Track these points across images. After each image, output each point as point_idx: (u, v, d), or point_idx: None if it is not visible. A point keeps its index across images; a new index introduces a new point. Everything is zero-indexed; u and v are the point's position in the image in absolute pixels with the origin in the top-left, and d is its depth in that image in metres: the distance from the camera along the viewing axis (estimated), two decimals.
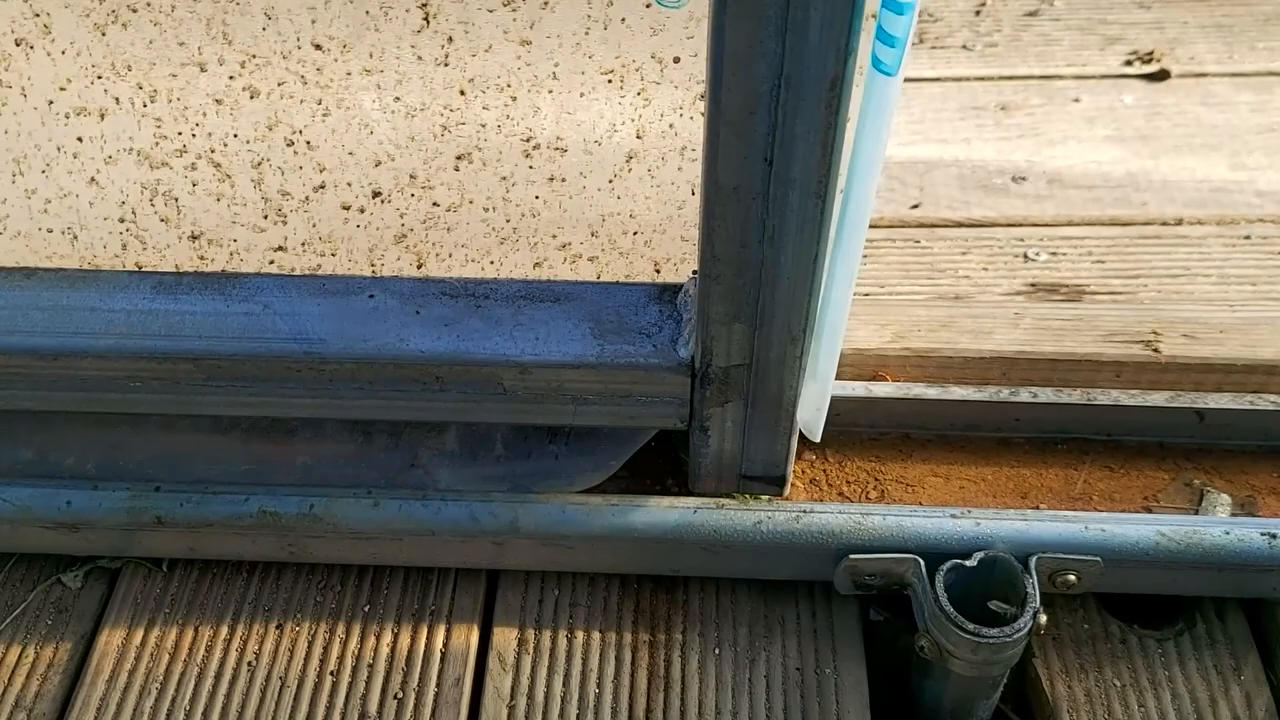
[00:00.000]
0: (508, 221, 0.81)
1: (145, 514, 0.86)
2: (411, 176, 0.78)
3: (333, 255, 0.83)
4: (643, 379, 0.77)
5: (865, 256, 0.69)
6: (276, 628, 0.87)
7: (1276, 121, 1.25)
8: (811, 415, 0.79)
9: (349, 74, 0.73)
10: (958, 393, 0.92)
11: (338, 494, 0.86)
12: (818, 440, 0.83)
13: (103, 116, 0.77)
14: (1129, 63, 1.33)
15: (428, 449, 0.88)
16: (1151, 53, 1.33)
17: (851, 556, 0.82)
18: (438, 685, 0.84)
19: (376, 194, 0.79)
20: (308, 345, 0.77)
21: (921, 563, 0.80)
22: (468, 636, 0.87)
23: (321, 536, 0.86)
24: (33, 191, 0.81)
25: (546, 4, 0.69)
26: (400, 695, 0.84)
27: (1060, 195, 1.18)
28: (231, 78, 0.74)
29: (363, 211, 0.80)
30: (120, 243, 0.83)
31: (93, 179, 0.80)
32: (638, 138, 0.76)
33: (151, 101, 0.76)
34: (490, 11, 0.69)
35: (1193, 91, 1.29)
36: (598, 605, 0.88)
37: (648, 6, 0.70)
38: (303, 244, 0.82)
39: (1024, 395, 0.91)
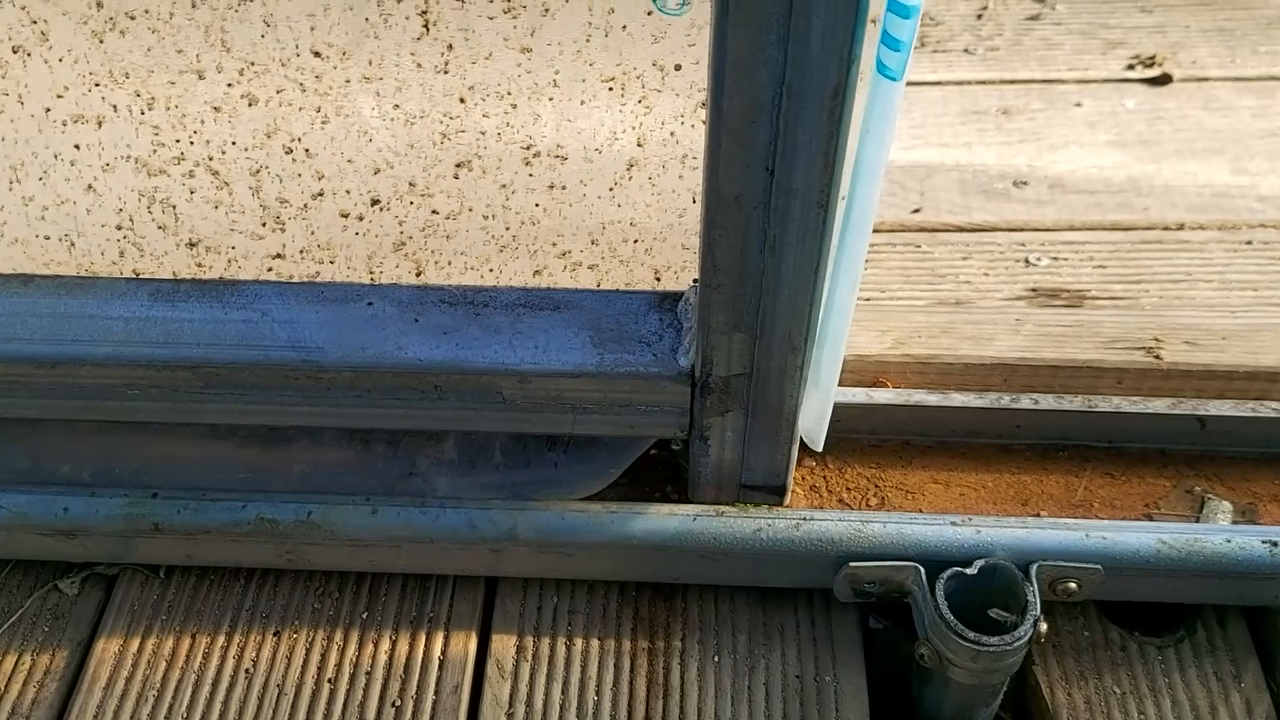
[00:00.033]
0: (507, 229, 0.80)
1: (142, 520, 0.86)
2: (411, 184, 0.78)
3: (331, 263, 0.82)
4: (642, 388, 0.77)
5: (866, 261, 0.69)
6: (274, 635, 0.87)
7: (1278, 126, 1.25)
8: (814, 424, 0.79)
9: (348, 81, 0.73)
10: (958, 399, 0.92)
11: (336, 501, 0.85)
12: (820, 450, 0.83)
13: (100, 124, 0.77)
14: (1131, 67, 1.33)
15: (426, 457, 0.88)
16: (1153, 57, 1.33)
17: (851, 564, 0.81)
18: (436, 692, 0.84)
19: (375, 201, 0.79)
20: (306, 353, 0.77)
21: (922, 570, 0.80)
22: (466, 644, 0.87)
23: (319, 543, 0.86)
24: (30, 199, 0.81)
25: (547, 11, 0.69)
26: (398, 702, 0.84)
27: (1062, 200, 1.18)
28: (230, 85, 0.74)
29: (361, 219, 0.80)
30: (118, 250, 0.83)
31: (90, 186, 0.79)
32: (638, 145, 0.76)
33: (149, 109, 0.75)
34: (490, 19, 0.69)
35: (1195, 96, 1.29)
36: (597, 613, 0.88)
37: (649, 14, 0.69)
38: (301, 251, 0.82)
39: (1025, 402, 0.91)
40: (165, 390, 0.79)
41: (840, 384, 0.83)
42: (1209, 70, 1.31)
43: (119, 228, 0.82)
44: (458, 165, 0.77)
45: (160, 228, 0.82)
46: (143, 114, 0.76)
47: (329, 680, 0.85)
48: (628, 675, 0.85)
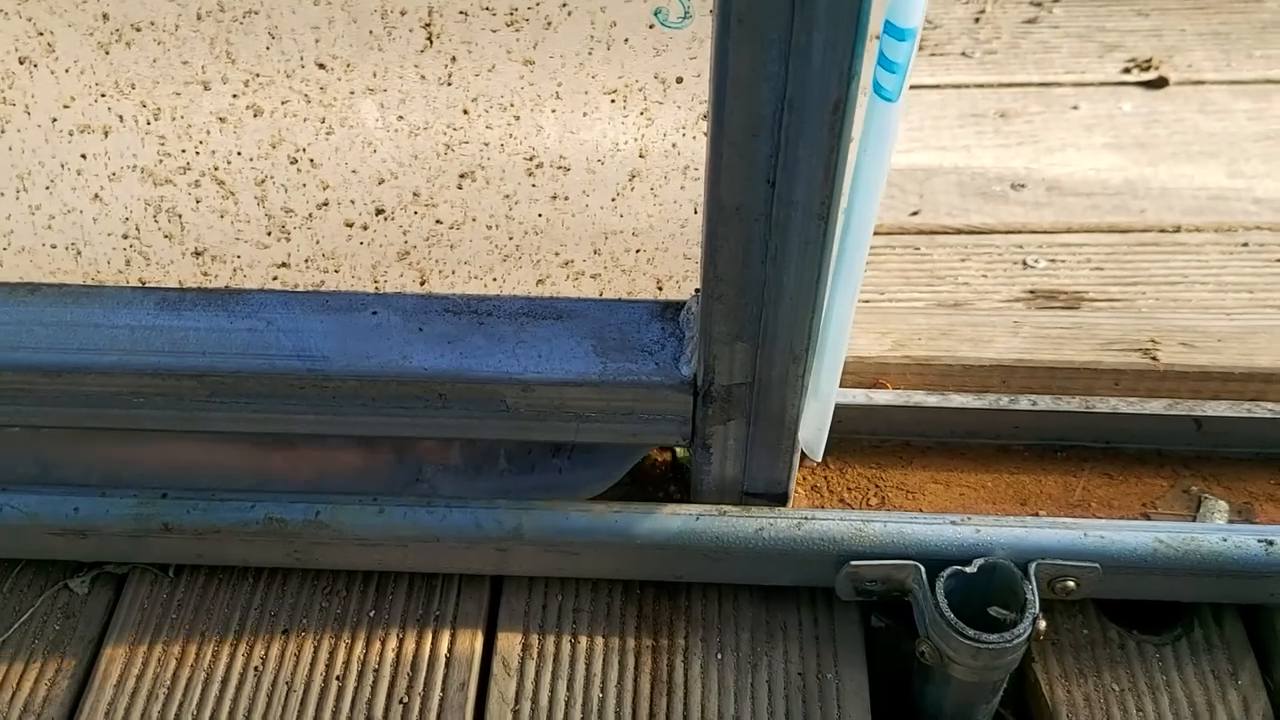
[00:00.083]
0: (510, 239, 0.81)
1: (153, 520, 0.86)
2: (415, 194, 0.79)
3: (336, 272, 0.83)
4: (645, 397, 0.77)
5: (865, 264, 0.70)
6: (282, 633, 0.88)
7: (1274, 129, 1.25)
8: (813, 434, 0.79)
9: (352, 93, 0.73)
10: (957, 400, 0.93)
11: (343, 501, 0.86)
12: (819, 459, 0.84)
13: (106, 134, 0.77)
14: (1127, 70, 1.33)
15: (431, 463, 0.88)
16: (1150, 60, 1.33)
17: (852, 563, 0.82)
18: (443, 690, 0.85)
19: (380, 211, 0.79)
20: (311, 362, 0.77)
21: (922, 569, 0.80)
22: (472, 642, 0.87)
23: (327, 543, 0.87)
24: (36, 208, 0.81)
25: (550, 24, 0.69)
26: (405, 700, 0.84)
27: (1059, 202, 1.18)
28: (235, 96, 0.74)
29: (366, 229, 0.80)
30: (124, 259, 0.83)
31: (96, 195, 0.80)
32: (640, 156, 0.76)
33: (155, 119, 0.76)
34: (494, 32, 0.69)
35: (1191, 99, 1.29)
36: (601, 611, 0.89)
37: (650, 27, 0.70)
38: (306, 261, 0.82)
39: (1023, 403, 0.92)
40: (171, 399, 0.79)
41: (841, 385, 0.83)
42: (1205, 73, 1.31)
43: (125, 236, 0.82)
44: (461, 176, 0.78)
45: (166, 237, 0.82)
46: (149, 124, 0.76)
47: (337, 678, 0.85)
48: (632, 672, 0.85)
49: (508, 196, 0.78)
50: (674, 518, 0.84)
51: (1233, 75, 1.31)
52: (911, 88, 0.61)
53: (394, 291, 0.83)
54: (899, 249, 1.14)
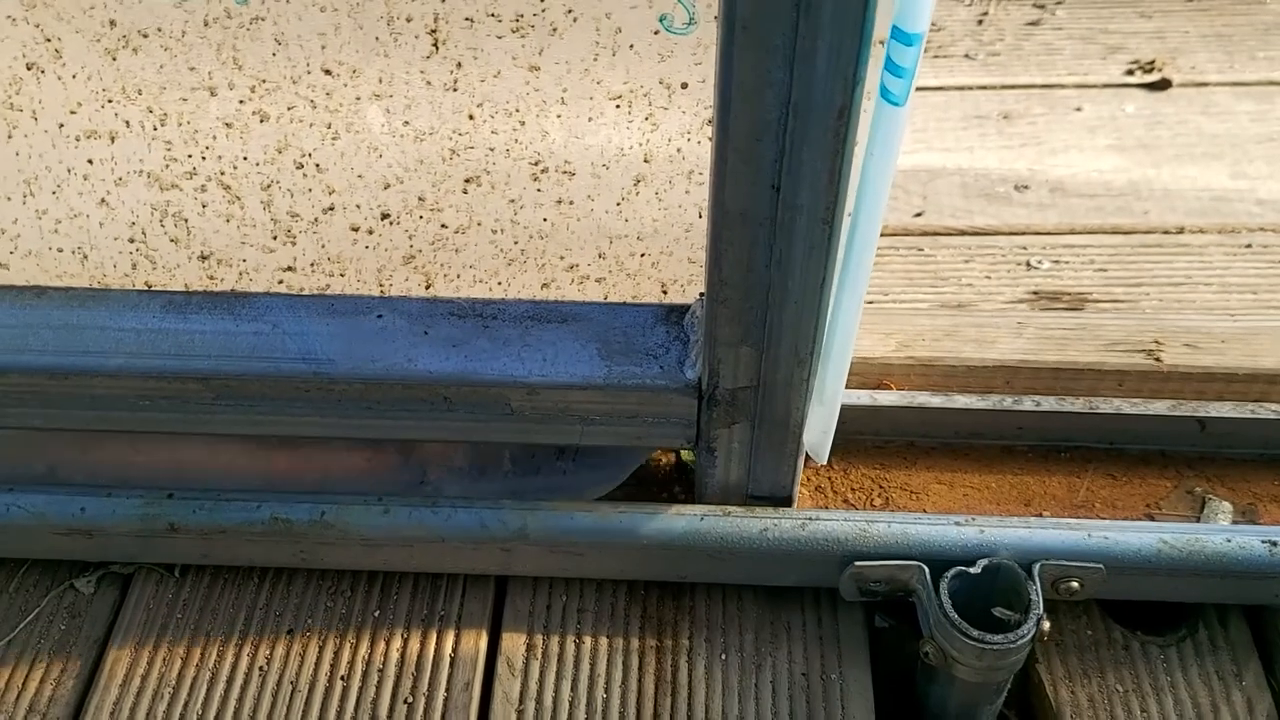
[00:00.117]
0: (516, 243, 0.81)
1: (159, 520, 0.86)
2: (420, 199, 0.79)
3: (341, 276, 0.83)
4: (650, 400, 0.77)
5: (871, 268, 0.70)
6: (288, 633, 0.88)
7: (1277, 131, 1.25)
8: (818, 438, 0.79)
9: (358, 98, 0.73)
10: (961, 401, 0.93)
11: (349, 501, 0.86)
12: (824, 463, 0.84)
13: (113, 139, 0.77)
14: (1130, 72, 1.33)
15: (436, 466, 0.88)
16: (1153, 62, 1.33)
17: (857, 563, 0.82)
18: (447, 690, 0.85)
19: (385, 216, 0.79)
20: (316, 365, 0.77)
21: (926, 569, 0.80)
22: (477, 642, 0.87)
23: (332, 543, 0.87)
24: (43, 212, 0.81)
25: (555, 30, 0.69)
26: (410, 700, 0.84)
27: (1062, 204, 1.18)
28: (241, 102, 0.74)
29: (371, 233, 0.81)
30: (130, 262, 0.83)
31: (103, 200, 0.80)
32: (645, 161, 0.76)
33: (162, 125, 0.76)
34: (499, 38, 0.70)
35: (1194, 101, 1.29)
36: (605, 611, 0.89)
37: (655, 33, 0.70)
38: (312, 264, 0.83)
39: (1027, 404, 0.92)
40: (176, 401, 0.79)
41: (845, 387, 0.84)
42: (1208, 75, 1.31)
43: (131, 240, 0.83)
44: (467, 180, 0.78)
45: (172, 241, 0.82)
46: (155, 130, 0.77)
47: (342, 678, 0.86)
48: (636, 673, 0.86)
49: (513, 201, 0.79)
50: (678, 518, 0.85)
51: (1236, 77, 1.31)
52: (916, 89, 0.61)
53: (399, 295, 0.83)
54: (903, 250, 1.14)
